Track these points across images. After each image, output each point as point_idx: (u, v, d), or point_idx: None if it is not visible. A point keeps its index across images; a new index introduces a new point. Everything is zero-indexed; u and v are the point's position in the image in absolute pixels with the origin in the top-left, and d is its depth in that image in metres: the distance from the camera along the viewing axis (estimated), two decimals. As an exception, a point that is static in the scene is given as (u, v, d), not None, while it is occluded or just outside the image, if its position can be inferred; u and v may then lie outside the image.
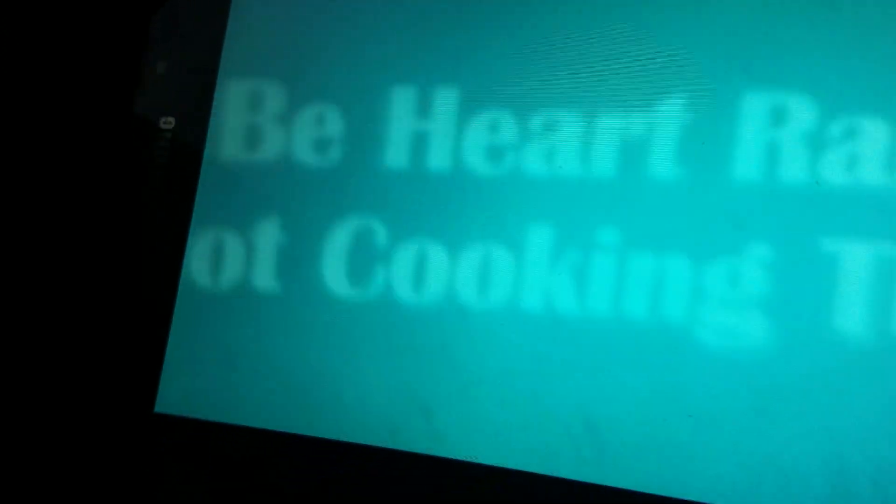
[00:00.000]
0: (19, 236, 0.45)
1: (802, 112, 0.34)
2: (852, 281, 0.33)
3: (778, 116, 0.35)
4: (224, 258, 0.43)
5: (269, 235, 0.42)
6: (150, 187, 0.45)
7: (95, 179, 0.46)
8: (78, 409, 0.44)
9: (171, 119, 0.44)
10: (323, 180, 0.42)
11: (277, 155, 0.43)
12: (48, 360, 0.45)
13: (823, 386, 0.33)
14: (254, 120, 0.44)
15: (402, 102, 0.41)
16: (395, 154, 0.41)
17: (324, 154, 0.42)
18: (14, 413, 0.44)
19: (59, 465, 0.44)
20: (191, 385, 0.43)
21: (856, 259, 0.33)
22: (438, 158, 0.40)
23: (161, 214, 0.44)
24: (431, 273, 0.39)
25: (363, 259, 0.41)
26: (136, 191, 0.45)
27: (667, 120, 0.36)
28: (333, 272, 0.41)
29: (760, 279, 0.34)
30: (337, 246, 0.41)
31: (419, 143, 0.41)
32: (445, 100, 0.40)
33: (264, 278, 0.42)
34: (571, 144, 0.38)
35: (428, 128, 0.40)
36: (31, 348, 0.45)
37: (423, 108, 0.41)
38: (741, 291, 0.34)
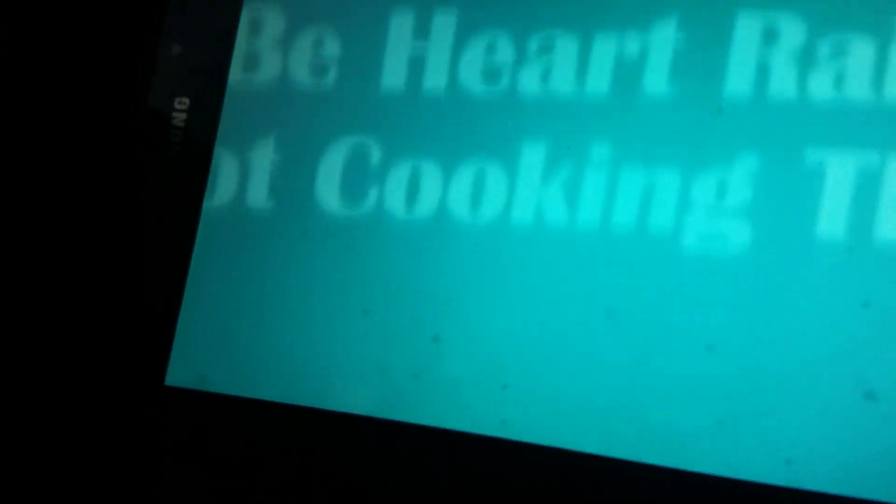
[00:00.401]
0: (31, 205, 0.45)
1: (793, 30, 0.36)
2: (835, 189, 0.34)
3: (769, 35, 0.36)
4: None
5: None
6: (161, 177, 0.45)
7: (109, 161, 0.46)
8: (88, 383, 0.44)
9: (186, 100, 0.45)
10: (319, 102, 0.43)
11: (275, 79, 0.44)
12: (57, 337, 0.45)
13: (803, 286, 0.34)
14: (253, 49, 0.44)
15: (399, 25, 0.42)
16: (392, 76, 0.42)
17: (320, 77, 0.43)
18: (22, 387, 0.44)
19: (69, 439, 0.44)
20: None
21: (839, 168, 0.34)
22: (435, 79, 0.41)
23: (174, 195, 0.44)
24: (425, 190, 0.40)
25: (357, 178, 0.41)
26: (151, 169, 0.45)
27: (661, 39, 0.37)
28: (327, 190, 0.42)
29: (746, 188, 0.35)
30: (331, 166, 0.42)
31: (415, 64, 0.41)
32: (443, 21, 0.41)
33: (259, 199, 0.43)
34: (567, 64, 0.39)
35: (425, 49, 0.41)
36: (40, 325, 0.45)
37: (421, 31, 0.42)
38: (728, 200, 0.36)
